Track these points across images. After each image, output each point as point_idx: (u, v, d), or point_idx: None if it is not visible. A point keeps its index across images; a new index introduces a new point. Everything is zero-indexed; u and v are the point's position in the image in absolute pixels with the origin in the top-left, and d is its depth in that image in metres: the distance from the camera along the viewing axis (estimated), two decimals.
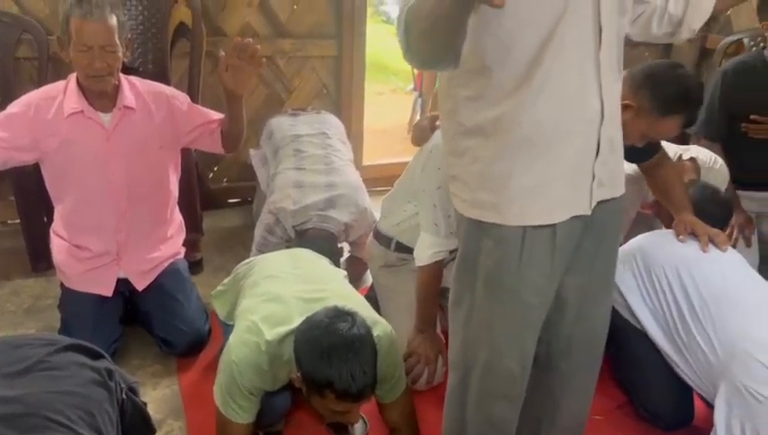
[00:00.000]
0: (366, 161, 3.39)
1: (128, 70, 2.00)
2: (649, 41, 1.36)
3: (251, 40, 1.65)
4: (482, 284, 1.21)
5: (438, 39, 0.99)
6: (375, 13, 21.48)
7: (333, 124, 2.68)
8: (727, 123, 2.53)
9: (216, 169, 3.06)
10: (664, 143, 2.53)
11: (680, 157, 2.28)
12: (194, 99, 2.54)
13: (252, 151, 2.72)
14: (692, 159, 2.29)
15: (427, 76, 4.88)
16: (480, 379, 1.27)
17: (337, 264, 2.27)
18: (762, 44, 2.53)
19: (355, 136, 3.20)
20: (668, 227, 2.03)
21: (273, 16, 2.93)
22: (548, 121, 1.10)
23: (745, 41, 3.25)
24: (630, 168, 2.20)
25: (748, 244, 2.54)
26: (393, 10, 20.33)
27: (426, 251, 1.73)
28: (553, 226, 1.15)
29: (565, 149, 1.13)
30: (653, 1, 1.26)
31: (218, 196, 3.04)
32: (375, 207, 2.36)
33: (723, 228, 2.13)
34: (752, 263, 2.52)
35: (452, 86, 1.17)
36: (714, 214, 2.06)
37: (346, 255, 2.56)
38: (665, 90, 1.67)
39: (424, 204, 1.76)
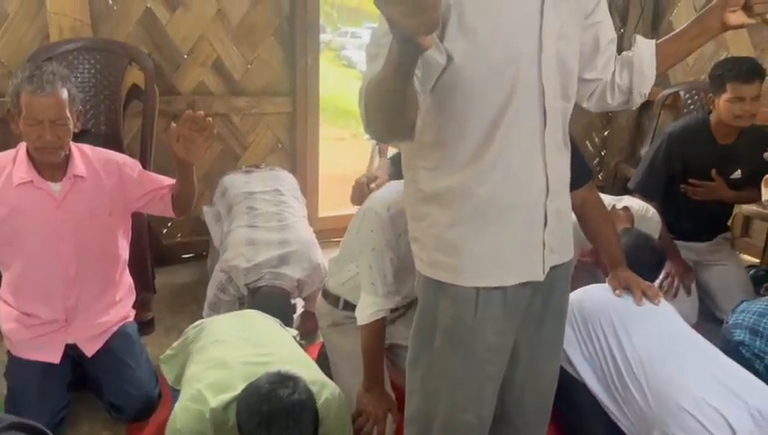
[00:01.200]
0: (324, 209, 3.44)
1: (80, 132, 2.02)
2: (610, 110, 1.45)
3: (201, 112, 1.69)
4: (440, 340, 1.27)
5: (390, 113, 1.06)
6: (336, 57, 21.83)
7: (287, 181, 2.73)
8: (666, 183, 2.66)
9: (169, 224, 3.07)
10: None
11: (614, 207, 2.40)
12: (146, 158, 2.58)
13: (205, 208, 2.74)
14: (625, 209, 2.40)
15: None
16: (439, 433, 1.31)
17: (290, 320, 2.30)
18: (709, 111, 2.67)
19: (311, 190, 3.25)
20: (607, 274, 2.13)
21: (228, 75, 2.99)
22: (498, 194, 1.19)
23: (681, 93, 3.45)
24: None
25: (688, 292, 2.65)
26: (354, 54, 20.64)
27: (365, 311, 1.78)
28: (504, 288, 1.23)
29: (515, 220, 1.21)
30: (602, 77, 1.35)
31: (172, 251, 3.04)
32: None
33: (656, 275, 2.24)
34: (692, 310, 2.65)
35: (411, 157, 1.26)
36: (647, 261, 2.17)
37: (300, 310, 2.58)
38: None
39: (361, 265, 1.81)
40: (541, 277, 1.26)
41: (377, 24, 1.12)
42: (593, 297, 1.94)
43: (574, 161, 2.06)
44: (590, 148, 4.12)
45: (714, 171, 2.58)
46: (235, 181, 2.65)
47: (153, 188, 1.97)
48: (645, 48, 1.36)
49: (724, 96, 2.48)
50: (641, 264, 2.14)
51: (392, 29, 0.88)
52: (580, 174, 2.10)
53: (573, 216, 2.06)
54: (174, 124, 1.73)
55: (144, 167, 2.59)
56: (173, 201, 1.98)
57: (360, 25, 21.25)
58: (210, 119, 1.70)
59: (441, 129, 1.18)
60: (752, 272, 3.12)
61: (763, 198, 2.18)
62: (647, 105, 3.83)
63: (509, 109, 1.14)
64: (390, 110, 1.05)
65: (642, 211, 2.43)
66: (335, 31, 21.88)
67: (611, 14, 3.70)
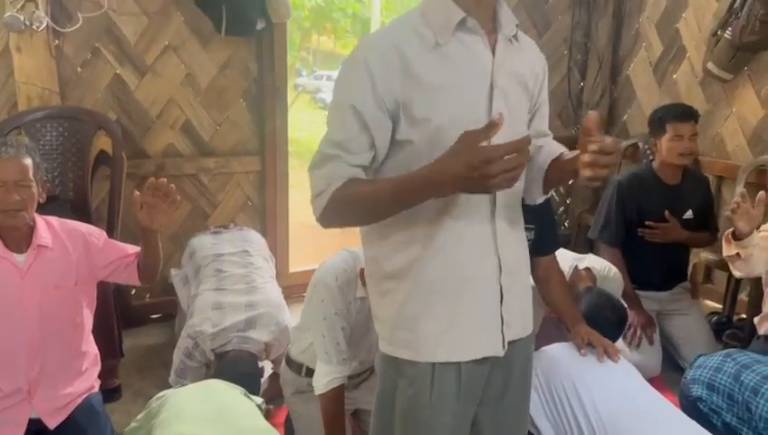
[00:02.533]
0: (296, 260, 3.45)
1: (47, 198, 2.03)
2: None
3: (164, 180, 1.71)
4: (399, 420, 1.28)
5: (367, 220, 1.19)
6: (312, 100, 22.07)
7: (256, 241, 2.76)
8: (624, 229, 2.76)
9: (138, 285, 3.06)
10: (560, 251, 2.73)
11: (576, 267, 2.46)
12: (113, 223, 2.60)
13: (173, 271, 2.75)
14: (587, 269, 2.46)
15: None
16: None
17: (258, 384, 2.30)
18: (651, 157, 2.81)
19: (281, 246, 3.28)
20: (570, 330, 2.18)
21: (197, 137, 3.05)
22: (451, 272, 1.22)
23: (640, 144, 3.57)
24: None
25: (651, 342, 2.70)
26: (329, 97, 20.97)
27: (321, 380, 1.80)
28: (459, 364, 1.25)
29: (470, 296, 1.24)
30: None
31: (140, 312, 3.04)
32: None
33: (619, 333, 2.29)
34: (655, 360, 2.70)
35: (370, 235, 1.30)
36: (609, 320, 2.22)
37: (268, 372, 2.58)
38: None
39: (314, 334, 1.85)
40: (500, 353, 1.28)
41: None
42: (556, 359, 1.98)
43: (549, 230, 2.17)
44: (555, 197, 4.22)
45: (667, 212, 2.70)
46: (203, 243, 2.67)
47: (119, 257, 1.99)
48: (545, 157, 1.33)
49: (666, 137, 2.65)
50: (604, 323, 2.19)
51: (472, 187, 1.03)
52: (552, 244, 2.20)
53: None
54: (137, 192, 1.75)
55: (111, 231, 2.63)
56: (138, 269, 1.99)
57: (335, 68, 21.63)
58: (173, 185, 1.73)
59: None
60: (714, 319, 3.20)
61: (724, 254, 2.25)
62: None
63: (459, 198, 1.17)
64: (370, 220, 1.18)
65: (604, 271, 2.49)
66: (311, 74, 22.25)
67: (571, 68, 3.91)
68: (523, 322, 1.34)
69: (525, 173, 1.32)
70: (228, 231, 2.79)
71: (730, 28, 3.11)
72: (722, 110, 3.39)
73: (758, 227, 2.22)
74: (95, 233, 2.02)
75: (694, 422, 1.78)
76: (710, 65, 3.27)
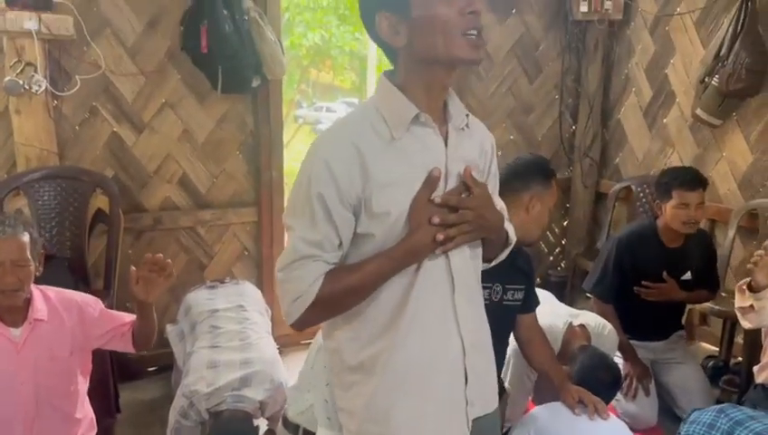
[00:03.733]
0: None
1: (45, 257, 2.05)
2: None
3: (161, 255, 1.73)
4: None
5: (352, 307, 1.21)
6: (311, 131, 22.25)
7: (251, 295, 2.78)
8: (619, 285, 2.75)
9: None
10: (555, 305, 2.74)
11: (571, 323, 2.46)
12: (110, 279, 2.62)
13: (169, 327, 2.77)
14: (582, 327, 2.46)
15: None
16: None
17: None
18: (655, 216, 2.81)
19: (277, 297, 3.29)
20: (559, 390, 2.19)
21: (194, 189, 3.09)
22: (417, 360, 1.23)
23: (633, 187, 3.61)
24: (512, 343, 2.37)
25: (647, 392, 2.70)
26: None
27: None
28: None
29: (437, 383, 1.25)
30: None
31: (137, 365, 3.03)
32: (298, 365, 2.40)
33: (613, 393, 2.29)
34: (652, 410, 2.70)
35: (333, 329, 1.29)
36: (603, 381, 2.22)
37: (264, 430, 2.57)
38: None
39: (316, 398, 1.85)
40: (465, 433, 1.29)
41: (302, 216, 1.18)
42: (549, 418, 1.98)
43: (530, 290, 2.19)
44: (550, 238, 4.25)
45: (665, 273, 2.69)
46: (199, 298, 2.69)
47: (114, 327, 1.99)
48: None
49: (671, 203, 2.62)
50: (598, 384, 2.19)
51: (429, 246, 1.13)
52: (534, 301, 2.22)
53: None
54: (134, 268, 1.76)
55: (108, 287, 2.66)
56: (133, 337, 2.00)
57: (335, 100, 21.90)
58: (169, 260, 1.75)
59: None
60: (711, 364, 3.20)
61: (737, 305, 2.23)
62: (601, 198, 4.00)
63: (418, 277, 1.20)
64: (353, 306, 1.21)
65: (599, 329, 2.48)
66: (311, 106, 22.53)
67: (562, 112, 3.96)
68: (486, 400, 1.36)
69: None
70: (224, 285, 2.82)
71: (717, 75, 3.16)
72: (712, 154, 3.44)
73: None
74: (91, 303, 2.02)
75: None
76: (699, 111, 3.32)
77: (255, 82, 2.88)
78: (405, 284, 1.20)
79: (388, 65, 1.27)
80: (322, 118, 21.33)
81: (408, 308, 1.21)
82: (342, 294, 1.18)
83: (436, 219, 1.15)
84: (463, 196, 1.20)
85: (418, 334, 1.22)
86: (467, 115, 1.29)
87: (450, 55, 1.16)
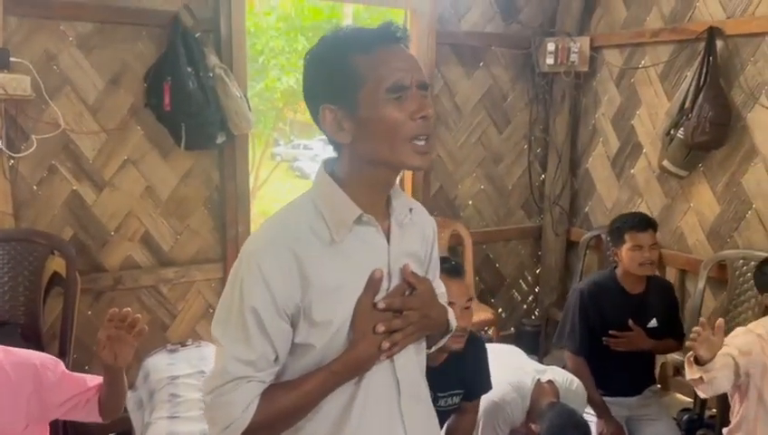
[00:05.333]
0: None
1: None
2: None
3: (129, 309, 1.58)
4: None
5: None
6: (289, 168, 22.27)
7: (212, 358, 2.68)
8: (588, 338, 2.73)
9: None
10: (523, 361, 2.70)
11: (538, 380, 2.42)
12: (65, 344, 2.52)
13: (128, 394, 2.65)
14: (549, 382, 2.43)
15: None
16: None
17: None
18: (614, 266, 2.81)
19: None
20: None
21: (156, 247, 3.00)
22: None
23: (603, 236, 3.61)
24: (486, 398, 2.33)
25: None
26: (306, 166, 21.20)
27: None
28: None
29: None
30: None
31: (96, 432, 2.90)
32: None
33: None
34: None
35: None
36: None
37: None
38: None
39: None
40: None
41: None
42: None
43: (482, 373, 2.21)
44: (523, 286, 4.23)
45: (631, 321, 2.68)
46: (158, 364, 2.59)
47: (77, 393, 1.79)
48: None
49: (626, 246, 2.66)
50: None
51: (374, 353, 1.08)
52: (485, 385, 2.24)
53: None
54: (102, 331, 1.58)
55: (63, 352, 2.55)
56: (100, 405, 1.84)
57: (312, 138, 22.06)
58: (139, 315, 1.59)
59: None
60: (685, 417, 3.16)
61: (688, 377, 2.21)
62: (573, 246, 4.01)
63: (361, 387, 1.14)
64: (280, 432, 1.14)
65: (566, 384, 2.46)
66: (288, 144, 22.62)
67: (531, 162, 3.99)
68: None
69: None
70: (185, 348, 2.72)
71: (682, 128, 3.20)
72: (680, 205, 3.47)
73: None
74: (50, 365, 1.81)
75: None
76: (665, 163, 3.36)
77: (220, 139, 2.84)
78: (347, 395, 1.14)
79: None
80: (300, 155, 21.45)
81: (351, 421, 1.14)
82: (279, 418, 1.09)
83: (381, 328, 1.09)
84: (406, 294, 1.15)
85: None
86: (411, 209, 1.24)
87: (396, 161, 1.10)
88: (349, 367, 1.10)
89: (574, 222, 4.09)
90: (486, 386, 2.27)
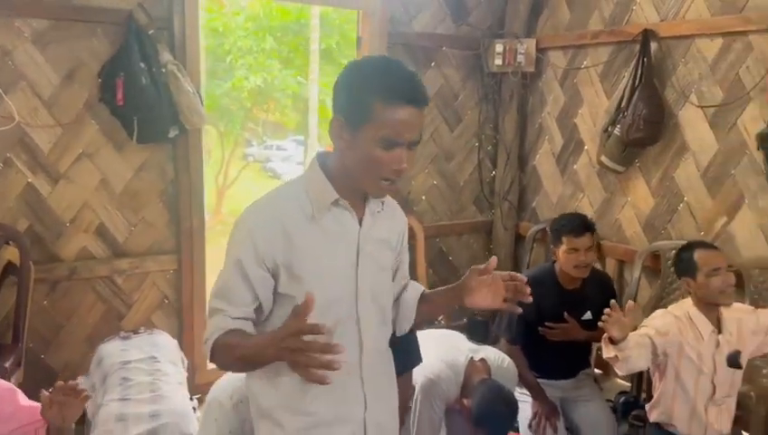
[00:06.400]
0: None
1: None
2: None
3: (74, 381, 1.69)
4: None
5: (243, 368, 1.42)
6: (262, 169, 22.14)
7: (165, 346, 2.78)
8: (524, 328, 2.87)
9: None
10: (459, 341, 2.84)
11: (472, 358, 2.57)
12: (19, 335, 2.59)
13: (81, 379, 2.71)
14: (482, 360, 2.57)
15: None
16: None
17: None
18: (554, 261, 2.95)
19: (199, 342, 3.29)
20: (469, 421, 2.32)
21: (111, 239, 3.08)
22: (321, 410, 1.38)
23: (548, 229, 3.77)
24: (422, 375, 2.46)
25: (555, 430, 2.79)
26: (278, 166, 21.10)
27: None
28: None
29: (340, 432, 1.40)
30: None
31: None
32: None
33: (511, 425, 2.39)
34: None
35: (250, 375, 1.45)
36: (501, 414, 2.34)
37: None
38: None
39: None
40: None
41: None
42: None
43: (411, 348, 2.33)
44: None
45: (566, 314, 2.82)
46: (111, 350, 2.68)
47: (28, 423, 1.81)
48: (411, 294, 1.59)
49: (562, 248, 2.78)
50: (495, 417, 2.30)
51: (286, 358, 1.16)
52: (415, 359, 2.36)
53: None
54: (44, 392, 1.66)
55: (16, 341, 2.62)
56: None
57: (284, 138, 22.00)
58: (84, 389, 1.69)
59: None
60: (622, 399, 3.33)
61: (604, 356, 2.36)
62: (521, 239, 4.17)
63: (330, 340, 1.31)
64: (245, 368, 1.41)
65: (498, 361, 2.60)
66: (261, 144, 22.51)
67: (482, 159, 4.13)
68: None
69: (395, 310, 1.56)
70: (138, 336, 2.81)
71: (619, 125, 3.38)
72: (618, 198, 3.65)
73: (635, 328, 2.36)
74: (6, 396, 1.83)
75: None
76: (603, 158, 3.54)
77: (173, 133, 2.93)
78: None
79: (328, 106, 1.43)
80: (272, 156, 21.35)
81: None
82: (227, 353, 1.30)
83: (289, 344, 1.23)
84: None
85: (321, 395, 1.35)
86: (383, 202, 1.46)
87: (363, 186, 1.35)
88: (259, 354, 1.24)
89: (523, 216, 4.26)
90: (416, 360, 2.40)
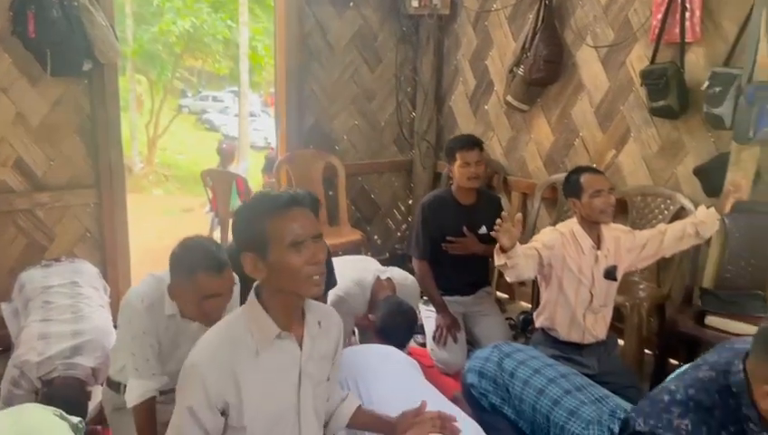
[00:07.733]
0: None
1: None
2: None
3: None
4: None
5: None
6: (197, 121, 21.58)
7: (86, 272, 2.89)
8: (430, 244, 3.14)
9: None
10: (368, 262, 3.07)
11: (378, 277, 2.81)
12: None
13: (3, 305, 2.82)
14: (388, 279, 2.83)
15: (221, 198, 5.26)
16: None
17: (84, 408, 2.42)
18: (451, 182, 3.21)
19: (123, 275, 3.41)
20: (375, 333, 2.53)
21: (30, 172, 3.12)
22: None
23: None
24: (333, 293, 2.69)
25: (455, 341, 3.09)
26: (215, 118, 20.57)
27: (133, 393, 1.99)
28: None
29: None
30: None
31: None
32: None
33: (410, 335, 2.67)
34: (461, 356, 3.08)
35: None
36: (400, 325, 2.61)
37: (99, 395, 2.70)
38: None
39: (125, 353, 2.04)
40: None
41: None
42: (344, 357, 2.28)
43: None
44: (397, 215, 4.61)
45: (465, 228, 3.10)
46: (33, 276, 2.77)
47: None
48: (346, 410, 1.79)
49: (456, 163, 3.09)
50: (396, 328, 2.55)
51: None
52: (331, 282, 2.57)
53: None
54: None
55: None
56: None
57: (222, 90, 21.42)
58: None
59: None
60: (522, 317, 3.67)
61: (495, 263, 2.61)
62: (440, 178, 4.41)
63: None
64: None
65: (401, 279, 2.87)
66: (196, 95, 21.86)
67: (401, 100, 4.30)
68: None
69: (328, 416, 1.76)
70: (59, 263, 2.90)
71: (522, 66, 3.61)
72: (523, 136, 3.91)
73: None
74: None
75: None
76: (509, 98, 3.77)
77: (87, 66, 2.97)
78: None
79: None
80: (209, 107, 20.78)
81: None
82: None
83: None
84: None
85: None
86: (319, 323, 1.59)
87: (299, 292, 1.47)
88: None
89: (440, 156, 4.48)
90: (332, 283, 2.63)
